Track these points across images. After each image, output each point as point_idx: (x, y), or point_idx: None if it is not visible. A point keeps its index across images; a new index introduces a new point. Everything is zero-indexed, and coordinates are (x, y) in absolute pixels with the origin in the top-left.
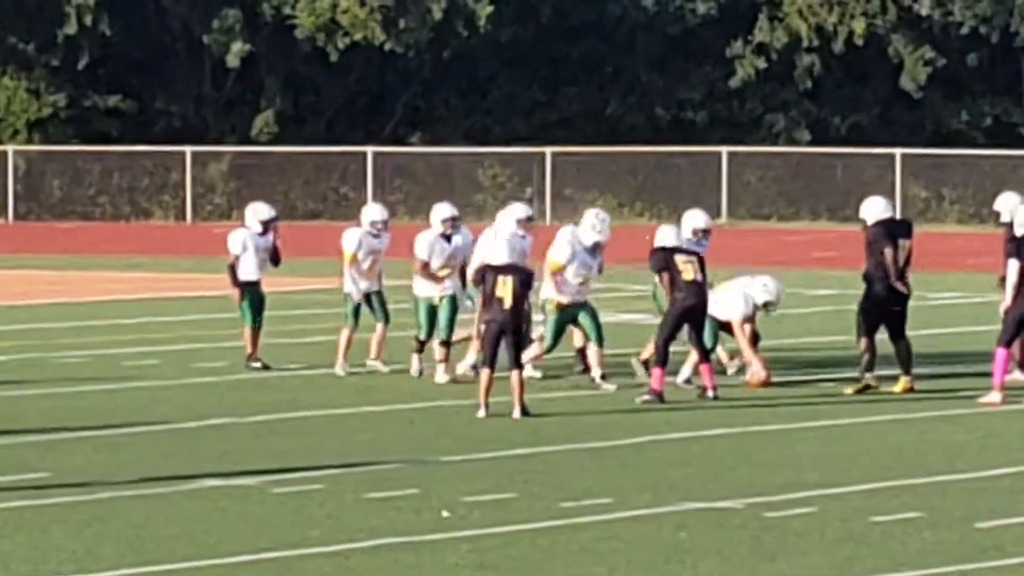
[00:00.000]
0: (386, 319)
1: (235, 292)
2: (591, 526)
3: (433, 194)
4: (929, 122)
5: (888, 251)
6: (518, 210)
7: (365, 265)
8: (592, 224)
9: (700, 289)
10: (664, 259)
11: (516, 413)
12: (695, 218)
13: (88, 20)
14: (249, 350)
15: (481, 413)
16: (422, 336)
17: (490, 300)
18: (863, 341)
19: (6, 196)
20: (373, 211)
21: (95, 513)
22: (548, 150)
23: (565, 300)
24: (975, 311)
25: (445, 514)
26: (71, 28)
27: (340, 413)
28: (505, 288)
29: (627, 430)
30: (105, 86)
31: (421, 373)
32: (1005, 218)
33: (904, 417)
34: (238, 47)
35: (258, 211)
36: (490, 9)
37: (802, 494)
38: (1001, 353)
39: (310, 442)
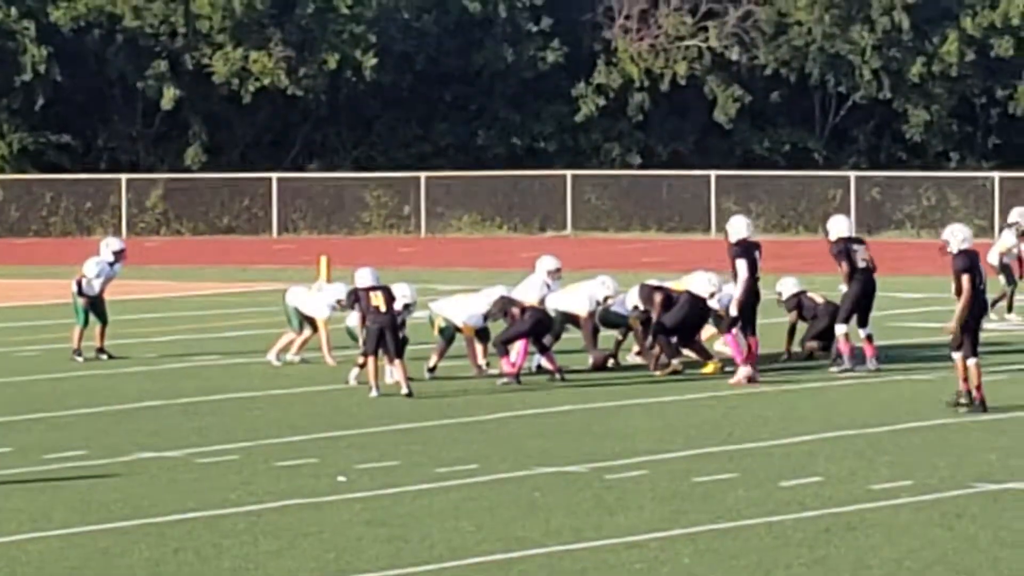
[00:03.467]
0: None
1: (84, 300)
2: (461, 488)
3: (328, 212)
4: (738, 148)
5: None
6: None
7: None
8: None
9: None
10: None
11: (404, 390)
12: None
13: (42, 69)
14: (75, 345)
15: (374, 394)
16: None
17: (368, 310)
18: (660, 337)
19: None
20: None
21: (48, 481)
22: (423, 175)
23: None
24: (773, 307)
25: (341, 479)
26: (27, 75)
27: (252, 396)
28: (378, 299)
29: (490, 408)
30: (55, 126)
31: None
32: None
33: (718, 395)
34: (171, 92)
35: (110, 243)
36: (375, 60)
37: (635, 459)
38: (840, 328)
39: (227, 420)
